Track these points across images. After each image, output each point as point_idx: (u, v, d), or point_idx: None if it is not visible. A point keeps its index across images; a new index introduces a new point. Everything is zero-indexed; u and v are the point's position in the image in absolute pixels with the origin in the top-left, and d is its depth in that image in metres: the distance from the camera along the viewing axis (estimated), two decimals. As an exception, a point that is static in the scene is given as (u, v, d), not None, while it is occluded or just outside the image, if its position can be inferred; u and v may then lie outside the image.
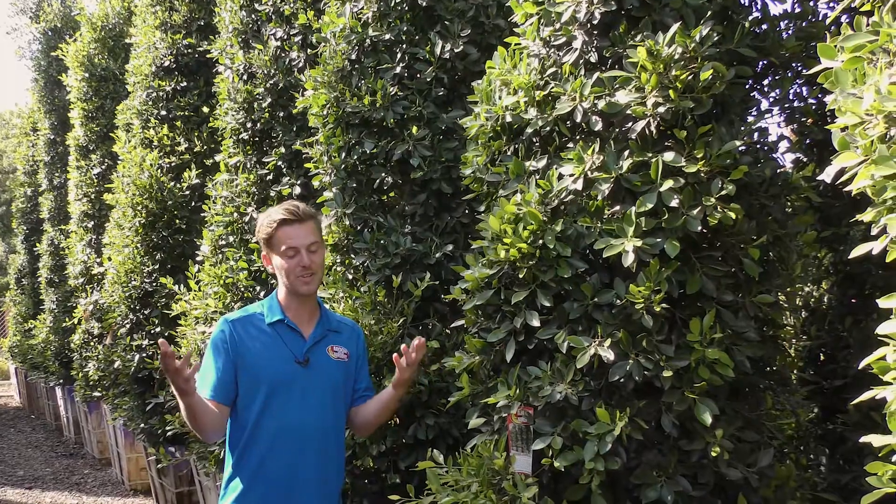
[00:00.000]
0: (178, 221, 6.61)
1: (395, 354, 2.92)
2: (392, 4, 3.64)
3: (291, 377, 2.90)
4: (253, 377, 2.90)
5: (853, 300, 3.28)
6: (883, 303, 1.64)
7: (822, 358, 3.37)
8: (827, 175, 1.74)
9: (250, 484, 2.90)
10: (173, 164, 6.69)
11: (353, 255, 3.71)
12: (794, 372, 3.21)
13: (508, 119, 2.75)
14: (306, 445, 2.90)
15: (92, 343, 8.77)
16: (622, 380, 2.40)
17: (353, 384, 3.08)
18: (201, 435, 2.89)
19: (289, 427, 2.89)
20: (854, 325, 3.21)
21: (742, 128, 2.51)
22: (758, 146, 2.58)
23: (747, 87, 2.69)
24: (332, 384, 2.98)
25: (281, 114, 4.77)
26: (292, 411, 2.89)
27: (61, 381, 11.66)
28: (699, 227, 2.34)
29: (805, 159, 3.25)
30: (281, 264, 2.91)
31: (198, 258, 5.39)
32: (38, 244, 12.45)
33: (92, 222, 9.17)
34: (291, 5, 4.67)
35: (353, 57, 3.70)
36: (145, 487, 8.56)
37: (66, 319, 10.30)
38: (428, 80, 3.60)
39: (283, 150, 4.73)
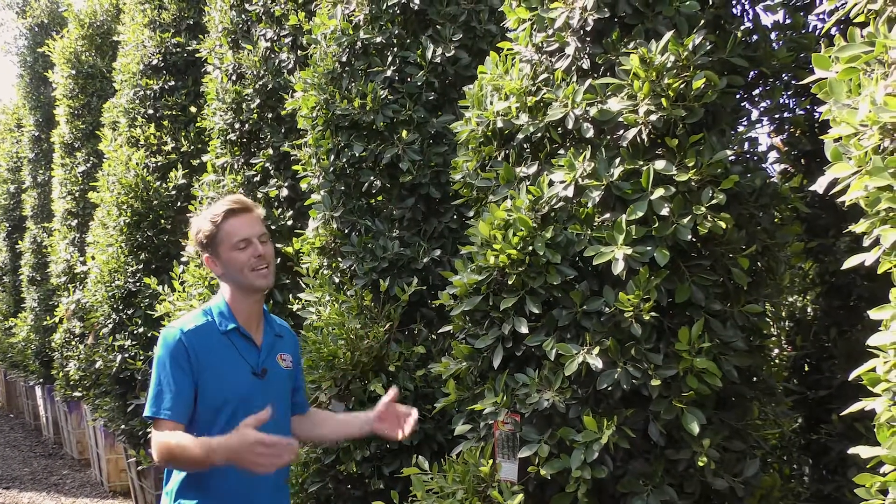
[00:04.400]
0: (163, 221, 6.57)
1: (389, 408, 2.72)
2: (384, 7, 3.63)
3: (251, 392, 2.67)
4: (217, 395, 2.65)
5: (838, 311, 3.30)
6: (874, 314, 1.64)
7: (806, 368, 3.38)
8: (819, 186, 1.75)
9: (204, 498, 2.65)
10: (160, 164, 6.65)
11: (340, 259, 3.69)
12: (779, 382, 3.22)
13: (499, 124, 2.74)
14: None
15: (73, 342, 8.70)
16: (610, 388, 2.40)
17: (293, 393, 2.87)
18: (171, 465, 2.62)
19: None
20: (839, 335, 3.22)
21: (733, 137, 2.52)
22: (748, 156, 2.59)
23: (738, 96, 2.70)
24: (285, 394, 2.79)
25: (269, 115, 4.75)
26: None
27: (41, 380, 11.55)
28: (689, 236, 2.34)
29: (792, 170, 3.26)
30: (232, 260, 2.66)
31: (182, 259, 5.36)
32: (20, 241, 12.35)
33: (76, 220, 9.10)
34: (282, 6, 4.65)
35: (344, 59, 3.69)
36: (125, 489, 8.49)
37: (48, 318, 10.21)
38: (419, 84, 3.59)
39: (271, 151, 4.70)
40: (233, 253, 2.65)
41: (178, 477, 2.68)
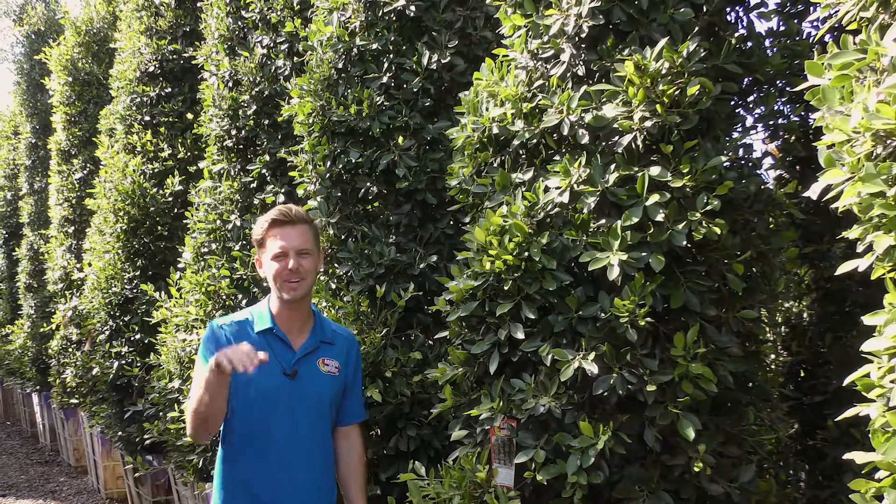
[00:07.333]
0: (160, 228, 6.57)
1: None
2: (380, 14, 3.64)
3: (277, 389, 2.83)
4: (240, 387, 2.82)
5: (833, 317, 3.30)
6: (868, 320, 1.64)
7: (802, 374, 3.38)
8: (813, 192, 1.75)
9: (237, 500, 2.85)
10: (156, 171, 6.64)
11: (336, 265, 3.69)
12: (775, 388, 3.22)
13: (495, 130, 2.74)
14: (293, 460, 2.85)
15: (70, 349, 8.68)
16: (606, 393, 2.40)
17: (343, 399, 3.01)
18: (202, 427, 2.74)
19: (274, 441, 2.83)
20: (834, 341, 3.23)
21: (727, 143, 2.52)
22: (742, 162, 2.60)
23: (733, 103, 2.71)
24: (320, 398, 2.91)
25: (266, 121, 4.75)
26: (278, 425, 2.83)
27: (38, 387, 11.51)
28: (684, 242, 2.35)
29: (787, 176, 3.27)
30: (269, 268, 2.85)
31: (179, 265, 5.35)
32: (17, 248, 12.32)
33: (72, 227, 9.09)
34: (278, 13, 4.66)
35: (340, 66, 3.70)
36: (122, 496, 8.47)
37: (45, 325, 10.19)
38: (414, 90, 3.59)
39: (267, 157, 4.71)
40: (270, 262, 2.85)
41: (215, 483, 2.91)
